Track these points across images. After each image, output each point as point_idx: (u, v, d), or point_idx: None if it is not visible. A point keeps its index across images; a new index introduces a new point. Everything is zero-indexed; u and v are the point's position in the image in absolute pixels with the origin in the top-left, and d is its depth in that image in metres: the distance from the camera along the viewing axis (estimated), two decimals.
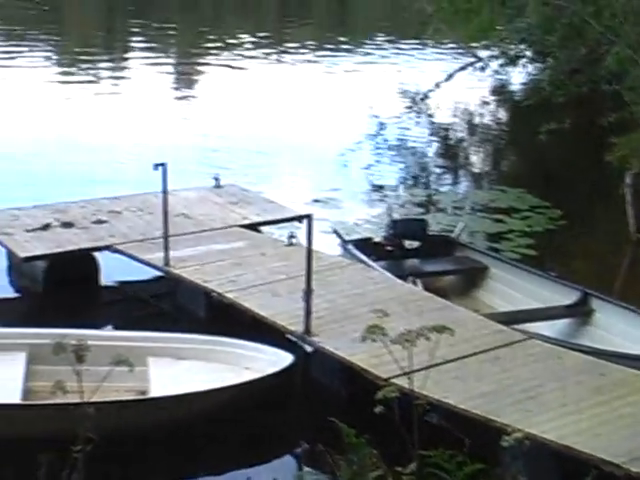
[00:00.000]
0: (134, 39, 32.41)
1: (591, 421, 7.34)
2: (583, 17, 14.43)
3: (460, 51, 27.99)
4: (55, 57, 28.28)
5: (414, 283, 10.51)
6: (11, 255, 11.31)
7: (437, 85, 25.37)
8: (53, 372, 7.34)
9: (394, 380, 7.06)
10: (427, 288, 10.48)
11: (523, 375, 8.15)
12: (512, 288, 10.98)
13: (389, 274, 10.57)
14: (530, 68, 22.93)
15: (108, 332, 9.57)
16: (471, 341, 8.65)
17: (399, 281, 10.35)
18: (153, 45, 30.92)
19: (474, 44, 25.19)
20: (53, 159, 16.87)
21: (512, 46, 19.33)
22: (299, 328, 8.86)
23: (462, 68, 26.68)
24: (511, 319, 9.67)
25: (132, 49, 30.82)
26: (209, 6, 43.44)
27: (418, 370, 6.11)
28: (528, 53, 20.73)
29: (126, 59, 28.91)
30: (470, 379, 8.02)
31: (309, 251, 8.81)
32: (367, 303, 9.21)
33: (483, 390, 7.82)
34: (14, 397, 7.96)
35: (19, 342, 8.73)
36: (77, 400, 5.14)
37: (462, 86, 25.09)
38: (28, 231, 11.51)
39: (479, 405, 7.50)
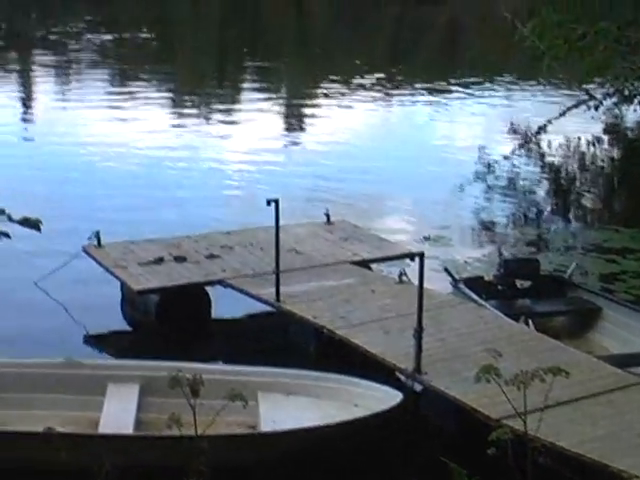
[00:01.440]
0: (247, 77, 32.85)
1: None
2: None
3: (573, 88, 27.69)
4: (167, 95, 28.76)
5: (526, 323, 10.40)
6: (125, 288, 11.52)
7: (549, 123, 25.12)
8: (165, 404, 7.47)
9: (505, 421, 6.98)
10: (539, 328, 10.35)
11: (638, 419, 7.97)
12: (626, 330, 10.76)
13: (500, 313, 10.47)
14: None
15: (219, 366, 9.64)
16: (585, 383, 8.50)
17: (510, 321, 10.25)
18: (264, 85, 31.31)
19: (587, 81, 24.90)
20: (166, 193, 17.18)
21: (627, 84, 19.05)
22: (409, 366, 8.82)
23: (575, 106, 26.35)
24: (625, 362, 9.47)
25: (244, 87, 31.24)
26: (319, 44, 43.88)
27: (531, 412, 6.02)
28: None
29: (238, 97, 29.25)
30: (584, 422, 7.88)
31: (420, 289, 8.78)
32: (478, 342, 9.15)
33: (597, 434, 7.67)
34: (127, 428, 8.08)
35: (132, 374, 8.86)
36: (191, 433, 5.19)
37: (574, 124, 24.81)
38: (142, 264, 11.71)
39: (593, 449, 7.35)
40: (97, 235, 12.19)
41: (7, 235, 4.61)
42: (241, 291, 11.12)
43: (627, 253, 14.57)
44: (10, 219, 4.60)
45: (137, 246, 12.41)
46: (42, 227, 4.77)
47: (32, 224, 4.67)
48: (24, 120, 24.38)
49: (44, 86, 29.02)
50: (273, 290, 10.66)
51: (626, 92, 19.92)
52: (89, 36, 40.14)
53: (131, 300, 11.66)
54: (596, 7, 20.55)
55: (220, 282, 11.39)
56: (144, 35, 41.05)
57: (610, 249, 14.83)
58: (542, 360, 7.32)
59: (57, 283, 12.07)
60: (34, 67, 32.77)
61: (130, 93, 27.16)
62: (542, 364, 5.01)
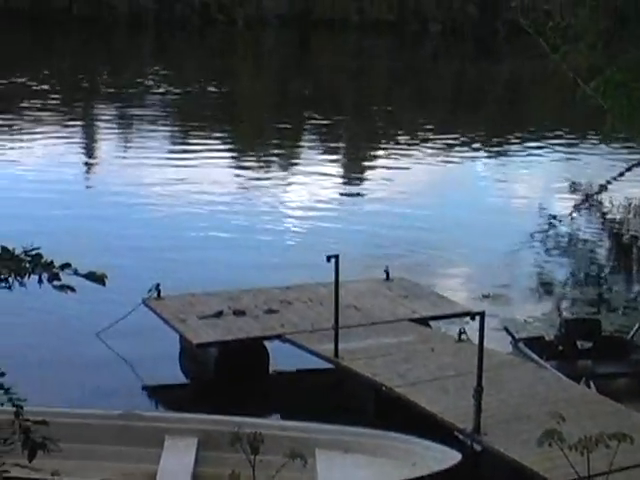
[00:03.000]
0: (307, 132, 33.07)
1: None
2: None
3: (636, 147, 27.54)
4: (228, 150, 29.01)
5: (587, 385, 10.27)
6: (184, 341, 11.56)
7: (610, 181, 24.98)
8: (223, 459, 7.46)
9: None
10: (600, 390, 10.21)
11: None
12: None
13: (561, 375, 10.35)
14: None
15: (278, 422, 9.63)
16: None
17: (571, 382, 10.13)
18: (325, 140, 31.52)
19: None
20: (226, 248, 17.30)
21: None
22: (468, 426, 8.75)
23: (637, 164, 26.21)
24: None
25: (304, 142, 31.45)
26: (379, 99, 44.12)
27: (594, 476, 5.92)
28: None
29: (298, 152, 29.42)
30: None
31: (481, 348, 8.73)
32: (538, 404, 9.06)
33: None
34: None
35: (190, 427, 8.88)
36: None
37: (637, 182, 24.63)
38: (201, 318, 11.76)
39: None
40: (157, 287, 12.29)
41: (72, 289, 4.65)
42: (299, 346, 11.12)
43: None
44: (76, 273, 4.64)
45: (196, 299, 12.48)
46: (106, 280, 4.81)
47: (97, 278, 4.71)
48: (87, 173, 24.71)
49: (108, 140, 29.41)
50: (332, 346, 10.65)
51: None
52: (154, 90, 40.71)
53: (190, 353, 11.70)
54: None
55: (278, 337, 11.41)
56: (208, 88, 41.50)
57: None
58: (605, 424, 7.23)
59: (118, 334, 12.17)
60: (100, 121, 33.23)
61: (192, 149, 27.40)
62: (605, 428, 4.94)
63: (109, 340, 12.19)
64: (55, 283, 4.52)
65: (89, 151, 28.12)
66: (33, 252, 4.34)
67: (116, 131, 31.17)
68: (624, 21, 20.53)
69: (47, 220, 18.33)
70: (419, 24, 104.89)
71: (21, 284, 4.30)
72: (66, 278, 4.49)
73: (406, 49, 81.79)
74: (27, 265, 4.33)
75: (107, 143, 28.94)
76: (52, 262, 4.55)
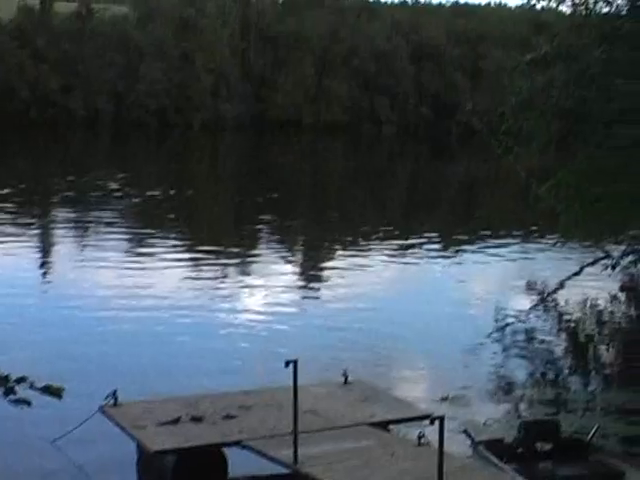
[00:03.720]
0: (263, 234, 33.20)
1: None
2: None
3: (590, 247, 27.92)
4: (184, 253, 29.02)
5: None
6: (141, 448, 11.42)
7: (565, 280, 25.21)
8: None
9: None
10: None
11: None
12: None
13: (521, 478, 10.31)
14: None
15: None
16: None
17: None
18: (280, 241, 31.68)
19: (604, 240, 25.10)
20: (183, 352, 17.19)
21: None
22: None
23: (591, 263, 26.49)
24: None
25: (261, 244, 31.55)
26: (336, 198, 44.53)
27: None
28: None
29: (255, 254, 29.48)
30: None
31: (440, 453, 8.70)
32: None
33: None
34: None
35: None
36: None
37: (591, 280, 24.87)
38: (159, 424, 11.63)
39: None
40: (114, 394, 12.17)
41: (28, 403, 4.61)
42: (258, 452, 11.01)
43: None
44: (32, 387, 4.62)
45: (154, 405, 12.37)
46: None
47: (54, 392, 4.67)
48: (43, 277, 24.55)
49: (63, 244, 29.32)
50: (291, 452, 10.56)
51: None
52: (111, 193, 40.82)
53: (147, 461, 11.54)
54: (612, 167, 20.84)
55: (237, 443, 11.30)
56: (165, 192, 41.70)
57: (632, 411, 14.65)
58: None
59: (75, 442, 12.00)
60: (56, 224, 33.21)
61: (148, 253, 27.39)
62: None
63: (66, 448, 12.01)
64: (11, 397, 4.49)
65: (44, 255, 28.01)
66: None
67: (72, 235, 31.13)
68: (575, 124, 20.97)
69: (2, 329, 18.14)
70: (374, 125, 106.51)
71: None
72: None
73: (361, 150, 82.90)
74: None
75: (63, 247, 28.83)
76: (7, 376, 4.51)
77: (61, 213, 35.94)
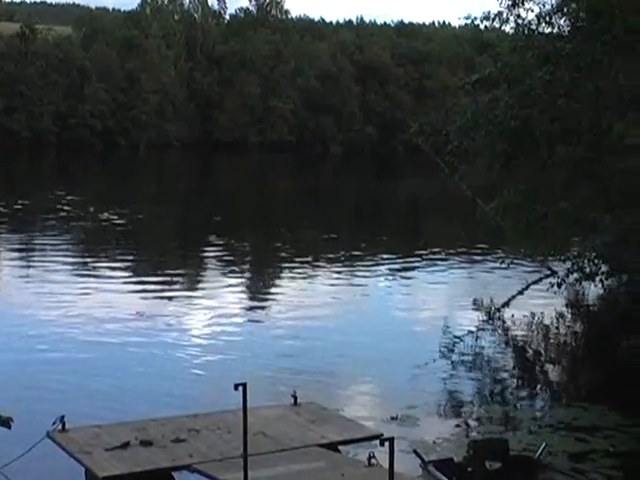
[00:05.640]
0: (211, 254, 33.09)
1: None
2: None
3: (535, 264, 28.19)
4: (132, 275, 28.88)
5: None
6: (90, 474, 11.30)
7: (512, 298, 25.42)
8: None
9: None
10: None
11: None
12: None
13: None
14: (607, 282, 22.80)
15: None
16: None
17: None
18: (228, 262, 31.61)
19: (550, 257, 25.35)
20: (130, 374, 17.07)
21: (588, 262, 19.40)
22: None
23: (537, 281, 26.75)
24: None
25: (208, 265, 31.47)
26: (281, 219, 44.53)
27: None
28: (604, 268, 20.75)
29: (202, 275, 29.42)
30: None
31: (391, 473, 8.71)
32: None
33: None
34: None
35: None
36: None
37: (537, 299, 25.08)
38: (107, 450, 11.54)
39: None
40: (62, 419, 12.05)
41: None
42: (208, 477, 10.96)
43: (596, 431, 14.50)
44: None
45: (102, 430, 12.27)
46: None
47: (2, 422, 4.64)
48: None
49: (7, 266, 29.05)
50: (241, 475, 10.50)
51: (587, 269, 20.26)
52: (56, 214, 40.55)
53: None
54: (555, 186, 21.10)
55: (187, 467, 11.24)
56: (110, 213, 41.50)
57: (579, 427, 14.77)
58: None
59: (21, 470, 11.81)
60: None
61: (94, 275, 27.24)
62: None
63: (12, 476, 11.83)
64: None
65: None
66: None
67: (15, 257, 30.84)
68: (519, 143, 21.19)
69: None
70: (320, 145, 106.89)
71: None
72: None
73: (307, 169, 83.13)
74: None
75: (5, 270, 28.54)
76: None
77: (3, 235, 35.62)
